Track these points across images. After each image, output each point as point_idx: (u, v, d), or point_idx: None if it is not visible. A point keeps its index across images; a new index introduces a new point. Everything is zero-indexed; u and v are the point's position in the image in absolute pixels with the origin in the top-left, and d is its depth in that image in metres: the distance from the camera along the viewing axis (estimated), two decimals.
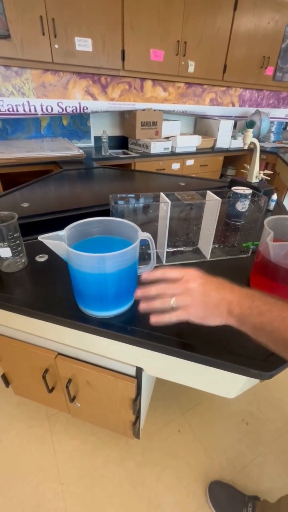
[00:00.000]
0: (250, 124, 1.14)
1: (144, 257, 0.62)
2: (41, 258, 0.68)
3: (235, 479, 0.93)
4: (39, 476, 0.93)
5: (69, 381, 0.69)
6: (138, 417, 0.74)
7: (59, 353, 0.68)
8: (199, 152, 2.31)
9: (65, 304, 0.55)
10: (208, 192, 0.68)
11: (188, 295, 0.37)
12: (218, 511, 0.83)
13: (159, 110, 2.18)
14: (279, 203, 1.09)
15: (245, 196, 0.82)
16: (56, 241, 0.44)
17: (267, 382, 1.22)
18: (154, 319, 0.39)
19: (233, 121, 2.47)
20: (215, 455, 1.00)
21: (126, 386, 0.63)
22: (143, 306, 0.40)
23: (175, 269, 0.38)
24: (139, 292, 0.40)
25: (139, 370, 0.61)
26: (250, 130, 1.06)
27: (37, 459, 0.97)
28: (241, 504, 0.82)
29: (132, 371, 0.62)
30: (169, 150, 2.18)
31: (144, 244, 0.54)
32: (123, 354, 0.59)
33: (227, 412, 1.13)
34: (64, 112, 1.89)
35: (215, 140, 2.46)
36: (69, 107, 1.88)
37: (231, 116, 2.62)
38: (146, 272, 0.39)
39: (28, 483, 0.91)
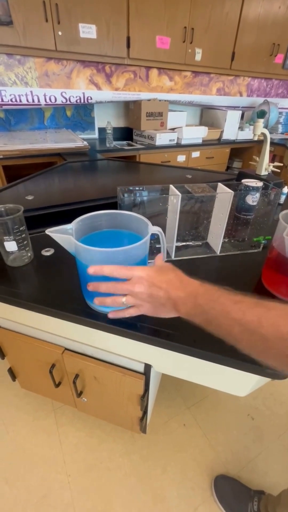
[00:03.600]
0: (261, 114, 1.11)
1: (152, 251, 0.60)
2: (47, 252, 0.67)
3: (241, 474, 0.93)
4: (46, 467, 0.94)
5: (76, 376, 0.69)
6: (145, 412, 0.74)
7: (66, 349, 0.67)
8: (205, 144, 2.26)
9: (72, 299, 0.54)
10: (220, 184, 0.65)
11: (135, 297, 0.40)
12: (223, 505, 0.84)
13: (165, 100, 2.12)
14: None
15: (256, 189, 0.79)
16: (64, 235, 0.43)
17: None
18: (111, 315, 0.44)
19: (240, 112, 2.40)
20: (221, 449, 1.00)
21: (134, 382, 0.62)
22: (96, 301, 0.44)
23: (123, 269, 0.39)
24: (91, 287, 0.42)
25: (147, 367, 0.60)
26: (261, 120, 1.02)
27: (43, 451, 0.98)
28: (247, 498, 0.82)
29: (141, 368, 0.61)
30: (175, 141, 2.13)
31: (152, 238, 0.52)
32: (131, 351, 0.58)
33: (233, 407, 1.13)
34: (68, 102, 1.85)
35: (222, 132, 2.40)
36: (73, 97, 1.84)
37: (239, 107, 2.55)
38: (94, 267, 0.39)
39: (35, 474, 0.92)
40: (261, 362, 0.32)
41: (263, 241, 0.72)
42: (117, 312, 0.43)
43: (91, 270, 0.39)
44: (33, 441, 1.00)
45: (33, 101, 1.74)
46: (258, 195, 0.81)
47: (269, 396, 1.17)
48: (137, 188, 0.67)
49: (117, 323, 0.49)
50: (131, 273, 0.39)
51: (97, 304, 0.44)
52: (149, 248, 0.53)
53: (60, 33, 1.55)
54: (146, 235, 0.45)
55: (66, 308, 0.52)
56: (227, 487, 0.87)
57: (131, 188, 0.67)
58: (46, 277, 0.60)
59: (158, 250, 0.54)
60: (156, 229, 0.48)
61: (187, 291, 0.37)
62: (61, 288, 0.57)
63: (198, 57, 2.01)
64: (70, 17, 1.54)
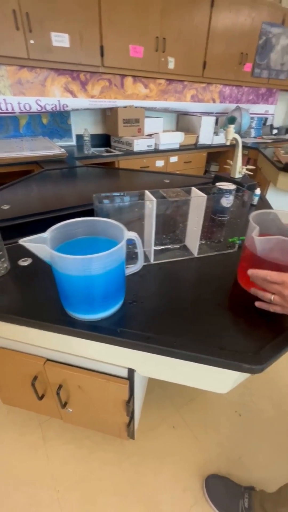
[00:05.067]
0: (232, 120, 1.15)
1: (131, 256, 0.61)
2: (25, 262, 0.66)
3: (231, 471, 0.95)
4: (34, 484, 0.90)
5: (60, 387, 0.67)
6: (132, 418, 0.74)
7: (47, 359, 0.66)
8: (182, 148, 2.32)
9: (51, 308, 0.53)
10: (193, 188, 0.67)
11: (283, 299, 0.45)
12: (215, 504, 0.84)
13: (141, 107, 2.16)
14: (262, 198, 1.10)
15: (229, 191, 0.82)
16: (39, 244, 0.42)
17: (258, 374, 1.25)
18: (258, 304, 0.51)
19: (214, 118, 2.49)
20: (211, 448, 1.01)
21: (119, 388, 0.62)
22: (252, 290, 0.52)
23: (280, 274, 0.45)
24: (251, 277, 0.50)
25: (131, 371, 0.61)
26: (232, 126, 1.07)
27: (30, 468, 0.94)
28: (237, 495, 0.83)
29: (124, 373, 0.61)
30: (153, 147, 2.17)
31: (131, 243, 0.53)
32: (113, 356, 0.58)
33: (221, 405, 1.15)
34: (43, 110, 1.84)
35: (198, 137, 2.47)
36: (48, 104, 1.83)
37: (212, 113, 2.64)
38: (251, 270, 0.48)
39: (23, 492, 0.89)
40: None
41: (238, 242, 0.75)
42: (263, 304, 0.50)
43: (250, 272, 0.49)
44: (20, 458, 0.97)
45: (6, 109, 1.71)
46: (232, 197, 0.85)
47: (255, 391, 1.20)
48: (113, 195, 0.67)
49: (96, 329, 0.49)
50: (283, 278, 0.45)
51: (252, 292, 0.52)
52: (128, 253, 0.54)
53: (32, 41, 1.54)
54: (122, 240, 0.46)
55: (45, 318, 0.51)
56: (218, 486, 0.88)
57: (107, 194, 0.67)
58: (24, 287, 0.59)
59: (137, 255, 0.54)
60: (131, 235, 0.49)
61: None
62: (39, 298, 0.56)
63: (171, 65, 2.08)
64: (41, 25, 1.54)
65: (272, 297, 0.47)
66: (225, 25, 2.17)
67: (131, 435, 0.81)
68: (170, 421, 1.09)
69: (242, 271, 0.59)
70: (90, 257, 0.41)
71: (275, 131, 3.25)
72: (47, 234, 0.46)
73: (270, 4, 2.35)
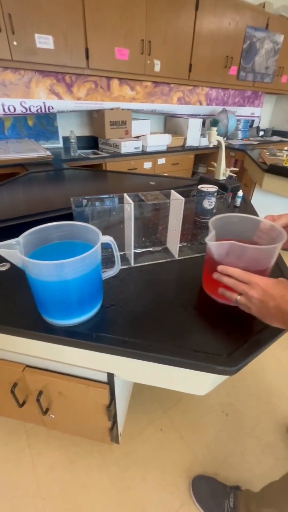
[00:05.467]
0: (214, 123, 1.17)
1: (111, 260, 0.61)
2: (2, 267, 0.65)
3: (218, 471, 0.95)
4: (18, 493, 0.89)
5: (40, 393, 0.66)
6: (115, 422, 0.73)
7: (27, 365, 0.65)
8: (170, 150, 2.33)
9: (28, 314, 0.52)
10: (172, 191, 0.68)
11: (248, 301, 0.45)
12: (201, 505, 0.84)
13: (128, 109, 2.17)
14: (245, 199, 1.12)
15: (209, 194, 0.83)
16: (10, 250, 0.42)
17: (244, 373, 1.26)
18: (221, 291, 0.50)
19: (201, 120, 2.51)
20: (198, 449, 1.01)
21: (99, 393, 0.61)
22: (220, 290, 0.50)
23: (244, 273, 0.45)
24: (216, 275, 0.49)
25: (110, 376, 0.60)
26: (214, 129, 1.08)
27: (15, 476, 0.92)
28: (223, 495, 0.83)
29: (104, 377, 0.61)
30: (140, 149, 2.17)
31: (109, 247, 0.53)
32: (92, 361, 0.58)
33: (207, 406, 1.15)
34: (28, 112, 1.81)
35: (185, 139, 2.49)
36: (33, 106, 1.81)
37: (199, 115, 2.67)
38: (221, 266, 0.47)
39: (6, 502, 0.87)
40: None
41: None
42: (226, 291, 0.49)
43: (219, 268, 0.47)
44: (3, 467, 0.95)
45: None
46: (214, 199, 0.85)
47: (241, 391, 1.21)
48: (92, 198, 0.67)
49: (72, 335, 0.49)
50: (249, 278, 0.44)
51: (219, 292, 0.50)
52: (107, 256, 0.53)
53: (15, 43, 1.53)
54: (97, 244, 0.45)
55: (22, 324, 0.51)
56: (204, 487, 0.88)
57: (86, 198, 0.67)
58: (1, 293, 0.58)
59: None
60: (106, 239, 0.49)
61: None
62: (16, 304, 0.55)
63: (157, 68, 2.09)
64: (25, 27, 1.52)
65: (238, 297, 0.46)
66: (210, 29, 2.20)
67: (114, 439, 0.80)
68: (158, 423, 1.08)
69: (204, 275, 0.59)
70: (61, 262, 0.41)
71: (261, 133, 3.32)
72: (19, 240, 0.45)
73: (254, 8, 2.40)
